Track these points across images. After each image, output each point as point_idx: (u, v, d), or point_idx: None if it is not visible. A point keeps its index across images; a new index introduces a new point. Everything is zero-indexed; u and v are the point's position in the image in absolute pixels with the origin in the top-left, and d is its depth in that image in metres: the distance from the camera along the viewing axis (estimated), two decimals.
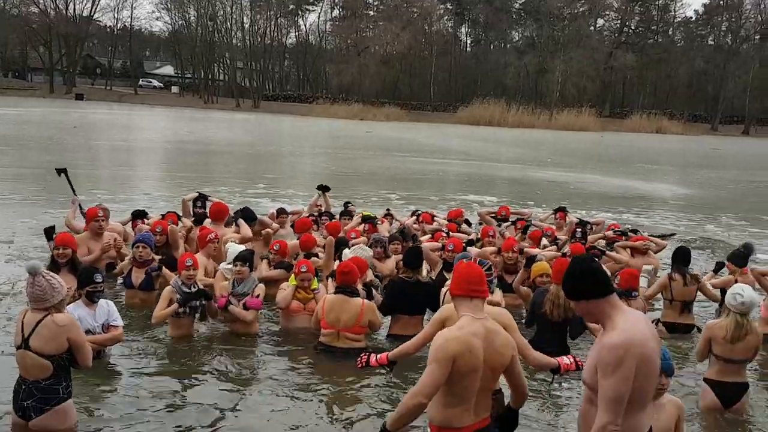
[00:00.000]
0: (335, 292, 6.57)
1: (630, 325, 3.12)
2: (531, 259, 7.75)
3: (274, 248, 8.25)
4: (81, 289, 5.82)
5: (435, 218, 11.34)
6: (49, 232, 7.90)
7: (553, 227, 10.69)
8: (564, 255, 8.48)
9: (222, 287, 7.12)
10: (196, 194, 10.65)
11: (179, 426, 5.00)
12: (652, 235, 13.97)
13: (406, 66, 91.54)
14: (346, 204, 11.87)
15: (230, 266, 7.53)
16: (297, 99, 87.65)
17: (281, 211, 10.91)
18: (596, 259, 3.73)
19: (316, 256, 8.34)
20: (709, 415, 5.66)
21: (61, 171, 9.84)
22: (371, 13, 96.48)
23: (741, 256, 8.30)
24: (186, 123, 50.72)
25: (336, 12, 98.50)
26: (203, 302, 6.69)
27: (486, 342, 3.57)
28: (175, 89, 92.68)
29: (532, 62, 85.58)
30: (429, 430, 3.73)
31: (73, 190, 9.65)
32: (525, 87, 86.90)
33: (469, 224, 11.44)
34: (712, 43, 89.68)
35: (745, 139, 73.98)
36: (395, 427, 3.60)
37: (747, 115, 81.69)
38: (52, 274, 4.67)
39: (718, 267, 8.66)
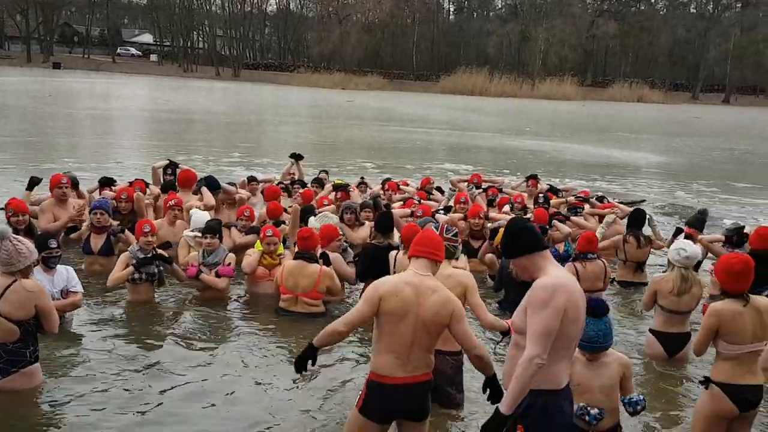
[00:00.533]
0: (294, 258, 6.63)
1: (561, 272, 3.40)
2: (495, 231, 7.89)
3: (244, 214, 8.32)
4: (37, 254, 5.84)
5: (401, 187, 11.34)
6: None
7: (524, 194, 10.82)
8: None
9: (192, 257, 7.14)
10: (167, 162, 10.64)
11: (140, 389, 5.07)
12: (621, 202, 14.22)
13: (388, 34, 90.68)
14: (320, 172, 11.90)
15: (192, 233, 7.59)
16: (278, 68, 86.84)
17: (252, 179, 10.96)
18: (530, 221, 3.82)
19: (284, 223, 8.38)
20: (654, 363, 5.98)
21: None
22: None
23: (700, 221, 8.63)
24: (164, 91, 50.16)
25: None
26: (160, 268, 6.72)
27: (418, 294, 3.70)
28: (153, 58, 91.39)
29: (514, 30, 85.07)
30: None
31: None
32: (507, 56, 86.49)
33: (442, 192, 11.52)
34: (694, 11, 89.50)
35: (725, 107, 74.35)
36: (319, 344, 3.78)
37: (728, 84, 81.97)
38: (20, 239, 4.74)
39: (677, 232, 8.84)
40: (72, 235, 8.16)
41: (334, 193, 10.17)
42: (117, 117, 30.31)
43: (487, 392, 3.80)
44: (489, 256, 8.04)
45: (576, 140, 29.89)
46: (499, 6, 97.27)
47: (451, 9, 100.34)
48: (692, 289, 5.88)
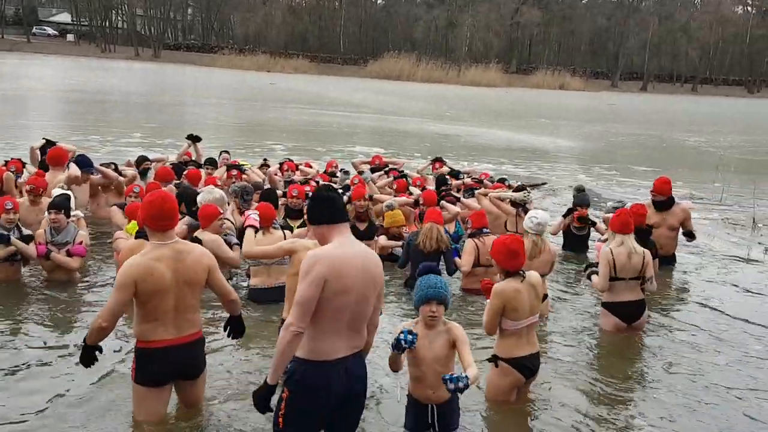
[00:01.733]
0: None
1: (334, 246, 3.41)
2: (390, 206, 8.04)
3: (133, 191, 8.09)
4: None
5: (303, 168, 11.25)
6: None
7: (423, 177, 10.86)
8: (417, 202, 8.65)
9: (38, 234, 6.79)
10: (44, 141, 10.16)
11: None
12: (522, 184, 14.41)
13: (314, 17, 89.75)
14: (221, 153, 11.57)
15: (76, 213, 7.30)
16: (200, 49, 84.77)
17: (142, 159, 10.70)
18: (338, 192, 3.72)
19: None
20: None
21: None
22: None
23: (584, 199, 9.34)
24: (77, 72, 48.26)
25: None
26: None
27: (174, 263, 3.91)
28: (71, 37, 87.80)
29: (441, 16, 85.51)
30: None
31: None
32: (435, 42, 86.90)
33: (347, 174, 11.41)
34: (615, 0, 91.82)
35: (642, 94, 76.68)
36: (92, 342, 3.88)
37: (645, 72, 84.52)
38: None
39: (568, 212, 9.12)
40: None
41: (227, 173, 9.93)
42: (18, 97, 28.88)
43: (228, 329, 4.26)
44: (381, 238, 8.05)
45: (493, 125, 30.21)
46: None
47: None
48: (541, 255, 6.37)
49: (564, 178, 16.69)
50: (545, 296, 6.30)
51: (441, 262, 7.15)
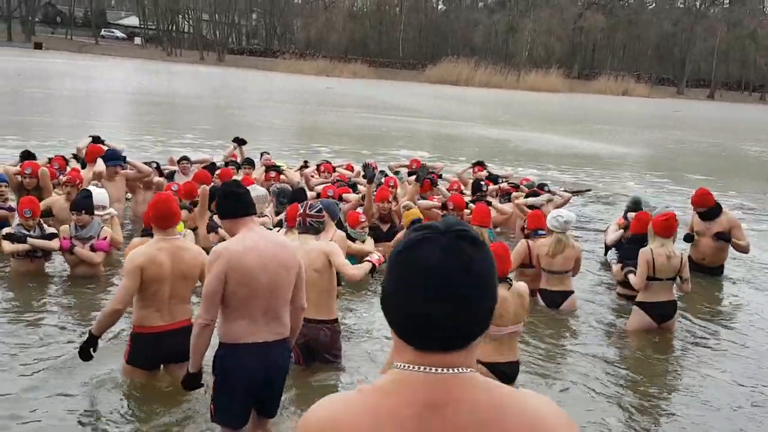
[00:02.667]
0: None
1: (237, 240, 3.61)
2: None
3: (172, 189, 8.20)
4: None
5: (341, 170, 11.33)
6: None
7: (461, 180, 10.81)
8: (444, 206, 8.57)
9: (63, 230, 6.94)
10: (90, 139, 10.41)
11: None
12: (566, 191, 14.09)
13: (375, 22, 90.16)
14: (262, 155, 11.70)
15: (108, 211, 7.45)
16: (263, 53, 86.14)
17: (184, 158, 10.87)
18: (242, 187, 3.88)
19: (195, 205, 8.16)
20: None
21: None
22: None
23: (639, 208, 8.92)
24: (142, 74, 49.66)
25: None
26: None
27: (173, 256, 4.37)
28: (138, 41, 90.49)
29: (501, 21, 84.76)
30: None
31: None
32: (494, 46, 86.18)
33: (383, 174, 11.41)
34: (682, 6, 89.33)
35: (709, 102, 74.32)
36: (99, 332, 4.32)
37: (713, 79, 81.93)
38: None
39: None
40: None
41: (265, 174, 10.04)
42: (75, 97, 29.80)
43: None
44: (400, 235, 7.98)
45: (547, 131, 29.70)
46: None
47: None
48: (565, 251, 6.65)
49: (612, 185, 16.26)
50: (571, 293, 6.84)
51: None
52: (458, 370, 1.33)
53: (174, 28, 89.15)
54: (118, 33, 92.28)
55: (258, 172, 10.40)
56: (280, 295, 3.64)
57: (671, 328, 6.32)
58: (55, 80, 37.09)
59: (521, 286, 4.75)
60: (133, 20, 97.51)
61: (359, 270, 5.01)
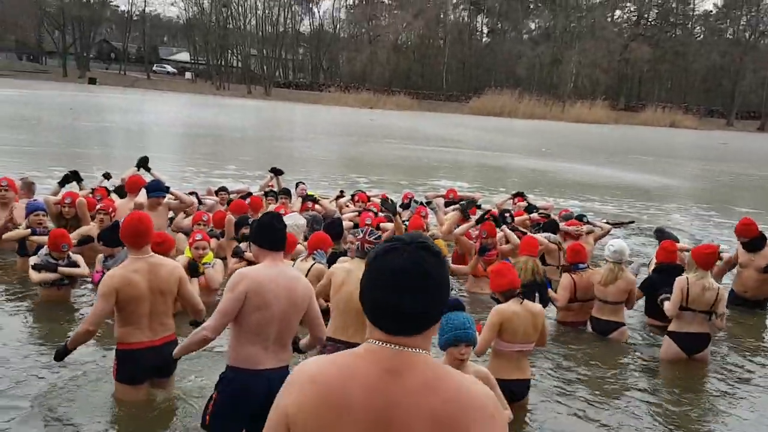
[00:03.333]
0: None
1: (261, 267, 3.85)
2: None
3: (202, 219, 8.32)
4: None
5: (372, 198, 11.34)
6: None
7: (495, 210, 10.68)
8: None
9: (98, 260, 7.08)
10: (135, 169, 10.63)
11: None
12: (607, 222, 13.83)
13: (419, 55, 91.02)
14: (297, 185, 11.80)
15: None
16: (309, 87, 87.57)
17: (222, 189, 11.09)
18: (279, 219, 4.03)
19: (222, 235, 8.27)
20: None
21: None
22: (386, 1, 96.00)
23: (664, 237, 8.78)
24: (190, 108, 50.84)
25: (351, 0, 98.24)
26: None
27: (149, 274, 4.48)
28: (188, 75, 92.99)
29: (546, 53, 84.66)
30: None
31: None
32: (539, 78, 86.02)
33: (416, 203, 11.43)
34: (731, 36, 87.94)
35: (760, 134, 72.59)
36: (72, 347, 4.51)
37: (763, 111, 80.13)
38: None
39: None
40: (6, 235, 8.15)
41: (302, 204, 10.16)
42: (121, 129, 30.51)
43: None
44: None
45: (590, 162, 29.35)
46: (533, 28, 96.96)
47: (485, 31, 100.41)
48: (617, 282, 6.70)
49: (657, 217, 15.91)
50: (623, 324, 6.86)
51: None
52: (414, 349, 1.74)
53: (223, 63, 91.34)
54: (170, 68, 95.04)
55: (296, 203, 10.51)
56: (288, 325, 3.85)
57: (703, 360, 6.21)
58: (106, 114, 38.21)
59: (536, 306, 4.91)
60: (184, 56, 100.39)
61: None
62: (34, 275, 6.65)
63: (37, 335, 6.04)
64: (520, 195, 11.79)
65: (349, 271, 5.06)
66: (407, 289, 1.70)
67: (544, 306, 7.08)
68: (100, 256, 7.09)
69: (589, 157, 31.90)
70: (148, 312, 4.48)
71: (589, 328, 6.93)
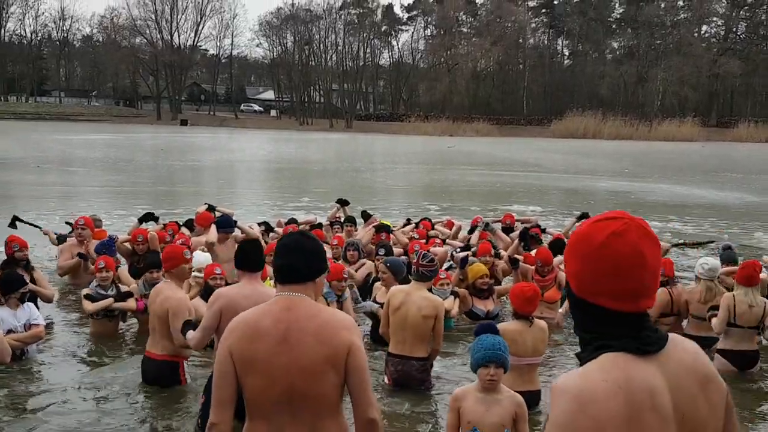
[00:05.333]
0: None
1: (235, 287, 4.31)
2: (464, 260, 7.71)
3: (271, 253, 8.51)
4: (14, 291, 6.14)
5: (438, 228, 11.35)
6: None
7: (562, 234, 10.47)
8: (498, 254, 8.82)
9: (133, 289, 7.20)
10: (206, 206, 11.10)
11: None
12: (685, 243, 13.46)
13: (498, 81, 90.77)
14: (362, 213, 11.98)
15: (197, 273, 7.81)
16: (389, 118, 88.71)
17: (291, 221, 11.31)
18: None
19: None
20: None
21: (13, 222, 9.97)
22: (464, 29, 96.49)
23: (731, 257, 8.62)
24: (275, 144, 52.41)
25: (429, 30, 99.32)
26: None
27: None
28: (273, 113, 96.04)
29: (630, 72, 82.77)
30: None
31: (36, 226, 10.24)
32: (623, 98, 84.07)
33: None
34: None
35: None
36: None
37: None
38: None
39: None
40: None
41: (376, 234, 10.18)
42: (206, 168, 31.77)
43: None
44: (461, 291, 7.83)
45: (674, 182, 28.39)
46: (615, 48, 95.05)
47: (566, 53, 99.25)
48: (716, 299, 6.56)
49: (740, 236, 15.21)
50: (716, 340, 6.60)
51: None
52: (299, 294, 2.69)
53: (306, 99, 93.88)
54: (256, 107, 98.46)
55: (365, 235, 10.46)
56: None
57: (755, 376, 6.24)
58: (195, 153, 39.90)
59: (542, 323, 5.19)
60: (269, 94, 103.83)
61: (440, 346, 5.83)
62: (88, 305, 6.82)
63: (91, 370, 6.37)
64: (585, 217, 11.50)
65: (408, 293, 5.67)
66: (291, 255, 2.72)
67: None
68: (135, 286, 7.28)
69: (673, 176, 30.85)
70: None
71: None
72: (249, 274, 4.24)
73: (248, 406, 2.65)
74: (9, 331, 5.77)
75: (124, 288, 7.16)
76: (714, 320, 6.31)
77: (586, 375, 1.65)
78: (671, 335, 1.74)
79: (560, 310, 7.77)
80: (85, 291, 6.96)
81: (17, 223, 9.92)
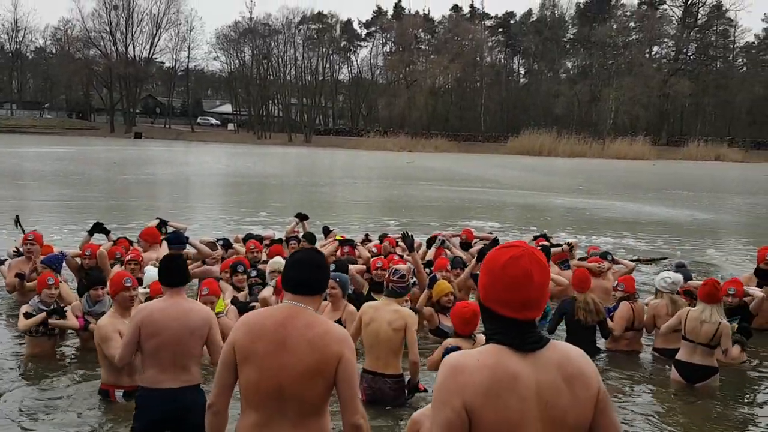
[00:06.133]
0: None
1: (155, 301, 4.58)
2: (433, 279, 7.66)
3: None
4: None
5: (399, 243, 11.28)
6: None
7: None
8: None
9: (75, 306, 6.84)
10: (158, 221, 10.85)
11: None
12: (639, 259, 13.64)
13: (456, 98, 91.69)
14: (323, 229, 11.85)
15: (144, 290, 7.57)
16: (348, 133, 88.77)
17: (248, 237, 11.15)
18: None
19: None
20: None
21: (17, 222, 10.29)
22: (422, 46, 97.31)
23: (686, 274, 8.88)
24: (231, 158, 51.90)
25: (388, 46, 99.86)
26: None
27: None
28: (231, 126, 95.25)
29: (583, 91, 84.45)
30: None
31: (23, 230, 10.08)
32: (577, 116, 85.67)
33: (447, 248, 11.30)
34: None
35: None
36: None
37: None
38: None
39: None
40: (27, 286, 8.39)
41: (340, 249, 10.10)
42: (153, 181, 31.08)
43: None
44: (428, 309, 7.71)
45: (626, 198, 28.92)
46: (569, 67, 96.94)
47: (522, 72, 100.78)
48: (681, 309, 6.77)
49: (692, 253, 15.51)
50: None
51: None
52: (302, 305, 2.97)
53: (264, 113, 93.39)
54: (213, 120, 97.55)
55: (328, 248, 10.33)
56: (185, 350, 4.32)
57: (707, 391, 6.29)
58: (148, 166, 39.24)
59: (482, 338, 5.07)
60: (227, 108, 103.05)
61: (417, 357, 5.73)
62: (22, 322, 6.48)
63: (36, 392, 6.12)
64: (542, 237, 11.56)
65: (377, 308, 5.71)
66: (305, 270, 3.00)
67: (606, 338, 7.47)
68: (77, 303, 6.96)
69: (625, 193, 31.44)
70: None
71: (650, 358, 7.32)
72: (171, 289, 4.38)
73: (242, 396, 2.97)
74: None
75: (64, 305, 6.78)
76: (663, 326, 6.78)
77: (466, 354, 2.13)
78: (558, 342, 2.17)
79: None
80: (24, 308, 6.61)
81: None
